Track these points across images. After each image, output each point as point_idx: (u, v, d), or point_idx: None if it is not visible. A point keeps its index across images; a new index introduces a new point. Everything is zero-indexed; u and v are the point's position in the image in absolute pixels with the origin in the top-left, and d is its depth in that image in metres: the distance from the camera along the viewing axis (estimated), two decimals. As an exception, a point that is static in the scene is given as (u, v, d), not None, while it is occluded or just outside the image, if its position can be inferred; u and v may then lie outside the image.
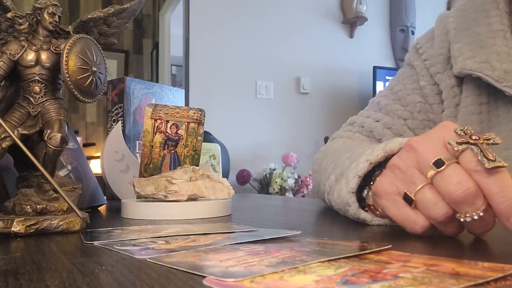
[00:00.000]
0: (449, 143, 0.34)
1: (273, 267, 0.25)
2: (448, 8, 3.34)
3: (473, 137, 0.33)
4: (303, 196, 2.49)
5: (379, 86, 2.87)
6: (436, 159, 0.33)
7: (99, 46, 0.52)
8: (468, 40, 0.66)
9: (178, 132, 0.68)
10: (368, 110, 0.80)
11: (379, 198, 0.39)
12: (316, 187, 0.68)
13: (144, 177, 0.65)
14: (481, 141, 0.33)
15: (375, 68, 2.88)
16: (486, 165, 0.31)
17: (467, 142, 0.33)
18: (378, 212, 0.46)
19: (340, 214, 0.53)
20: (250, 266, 0.25)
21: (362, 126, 0.77)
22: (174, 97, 1.02)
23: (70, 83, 0.47)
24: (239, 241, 0.35)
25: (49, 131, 0.47)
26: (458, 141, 0.33)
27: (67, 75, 0.47)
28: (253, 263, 0.26)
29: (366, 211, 0.47)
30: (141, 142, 0.69)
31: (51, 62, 0.49)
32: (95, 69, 0.50)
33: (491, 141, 0.33)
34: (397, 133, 0.73)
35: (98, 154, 3.09)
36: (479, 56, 0.64)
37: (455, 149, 0.33)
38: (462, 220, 0.32)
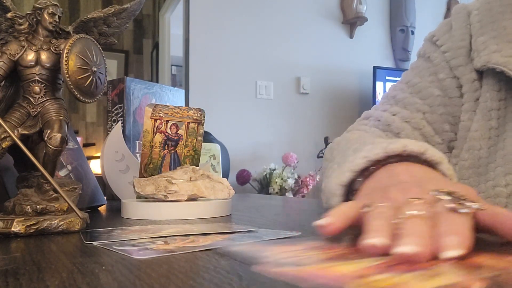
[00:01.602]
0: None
1: (322, 262, 0.27)
2: (448, 8, 3.35)
3: None
4: (303, 196, 2.49)
5: (379, 86, 2.87)
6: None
7: (99, 46, 0.52)
8: (494, 34, 0.64)
9: (178, 132, 0.68)
10: (383, 104, 0.76)
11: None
12: (322, 174, 0.66)
13: (144, 177, 0.65)
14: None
15: (375, 68, 2.88)
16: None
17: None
18: None
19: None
20: (300, 259, 0.27)
21: (379, 120, 0.73)
22: (174, 97, 1.02)
23: (70, 83, 0.47)
24: (238, 242, 0.35)
25: (49, 131, 0.47)
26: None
27: (67, 75, 0.47)
28: (303, 257, 0.28)
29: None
30: (141, 142, 0.69)
31: (51, 62, 0.49)
32: (95, 69, 0.50)
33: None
34: (416, 127, 0.70)
35: (98, 154, 3.08)
36: (505, 50, 0.62)
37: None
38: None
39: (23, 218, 0.42)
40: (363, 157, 0.43)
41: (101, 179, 0.76)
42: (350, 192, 0.45)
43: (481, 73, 0.67)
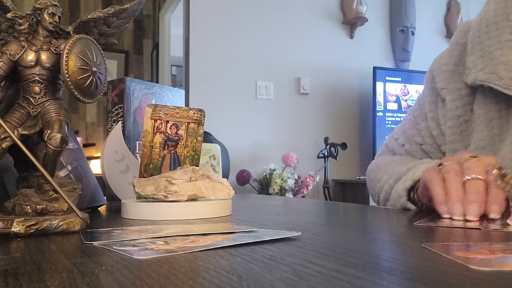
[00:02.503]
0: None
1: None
2: (448, 9, 3.35)
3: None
4: (303, 196, 2.49)
5: (379, 86, 2.87)
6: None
7: (99, 46, 0.52)
8: (481, 53, 0.72)
9: (178, 132, 0.68)
10: (397, 132, 0.94)
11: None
12: (371, 189, 0.88)
13: (144, 177, 0.65)
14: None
15: (375, 68, 2.87)
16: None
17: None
18: (418, 203, 0.66)
19: (336, 214, 0.53)
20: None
21: (394, 151, 0.94)
22: (174, 97, 1.02)
23: (70, 83, 0.47)
24: (238, 242, 0.35)
25: (49, 131, 0.47)
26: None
27: (67, 75, 0.47)
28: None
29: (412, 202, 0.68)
30: (141, 143, 0.69)
31: (51, 62, 0.49)
32: (95, 69, 0.50)
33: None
34: (417, 156, 0.89)
35: (98, 154, 3.08)
36: (488, 67, 0.70)
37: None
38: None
39: (23, 218, 0.42)
40: (422, 171, 0.65)
41: (101, 179, 0.76)
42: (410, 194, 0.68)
43: (472, 90, 0.76)
